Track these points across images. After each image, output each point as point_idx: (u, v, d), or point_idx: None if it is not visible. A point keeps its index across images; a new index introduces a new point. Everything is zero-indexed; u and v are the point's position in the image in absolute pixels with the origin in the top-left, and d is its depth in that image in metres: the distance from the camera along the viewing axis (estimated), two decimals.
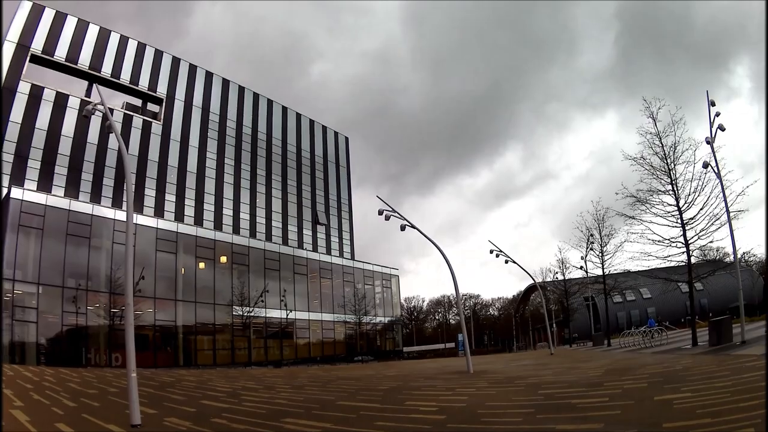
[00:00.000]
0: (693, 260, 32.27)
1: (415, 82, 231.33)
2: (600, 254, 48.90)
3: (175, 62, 71.54)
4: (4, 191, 46.54)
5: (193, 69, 73.53)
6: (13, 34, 55.80)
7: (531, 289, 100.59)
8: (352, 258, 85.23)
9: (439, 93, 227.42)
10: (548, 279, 68.53)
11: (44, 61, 58.16)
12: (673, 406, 10.53)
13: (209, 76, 75.54)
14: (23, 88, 55.42)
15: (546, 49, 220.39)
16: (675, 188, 31.37)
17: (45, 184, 54.51)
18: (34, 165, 55.15)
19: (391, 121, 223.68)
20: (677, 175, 31.35)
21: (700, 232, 30.67)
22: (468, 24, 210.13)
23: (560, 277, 61.92)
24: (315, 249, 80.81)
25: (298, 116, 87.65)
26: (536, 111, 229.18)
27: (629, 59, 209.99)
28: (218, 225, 69.77)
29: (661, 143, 31.83)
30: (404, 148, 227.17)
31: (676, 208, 31.33)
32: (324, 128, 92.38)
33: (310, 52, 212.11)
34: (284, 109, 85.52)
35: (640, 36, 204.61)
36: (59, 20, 59.67)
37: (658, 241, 32.09)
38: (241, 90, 79.64)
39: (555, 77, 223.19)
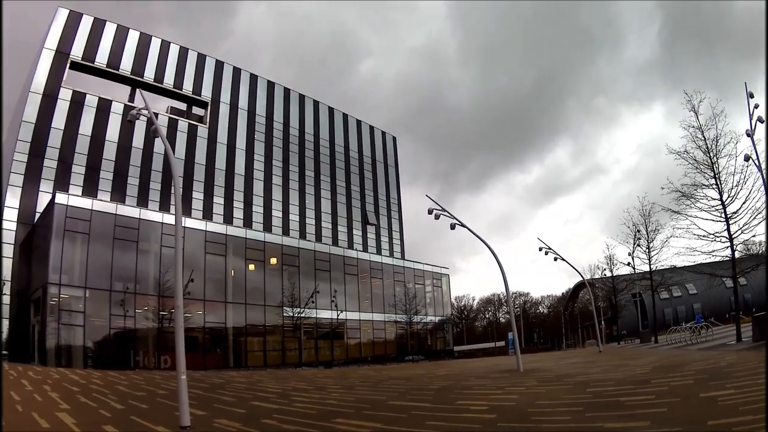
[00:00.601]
0: (737, 255, 31.58)
1: (463, 78, 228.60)
2: (647, 250, 46.95)
3: (219, 65, 70.38)
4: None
5: (237, 72, 72.23)
6: (51, 41, 55.12)
7: (580, 287, 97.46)
8: (403, 257, 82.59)
9: (488, 89, 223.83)
10: (596, 276, 65.63)
11: (85, 67, 57.09)
12: (718, 403, 10.35)
13: (254, 78, 74.22)
14: (64, 95, 54.63)
15: (591, 44, 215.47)
16: (718, 182, 30.58)
17: (90, 189, 53.49)
18: (78, 170, 54.13)
19: (441, 117, 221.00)
20: (720, 169, 30.61)
21: (743, 226, 29.99)
22: (514, 19, 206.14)
23: (608, 274, 59.82)
24: (365, 249, 78.80)
25: (345, 116, 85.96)
26: (584, 105, 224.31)
27: (673, 51, 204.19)
28: (267, 227, 68.00)
29: (703, 136, 31.17)
30: (454, 145, 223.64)
31: (719, 203, 30.56)
32: (371, 128, 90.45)
33: (358, 49, 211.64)
34: (331, 110, 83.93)
35: (683, 27, 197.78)
36: (98, 27, 58.71)
37: (703, 236, 31.48)
38: (287, 91, 78.23)
39: (601, 71, 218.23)
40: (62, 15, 56.07)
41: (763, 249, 60.20)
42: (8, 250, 48.57)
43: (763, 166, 27.13)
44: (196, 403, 15.84)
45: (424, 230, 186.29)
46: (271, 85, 76.06)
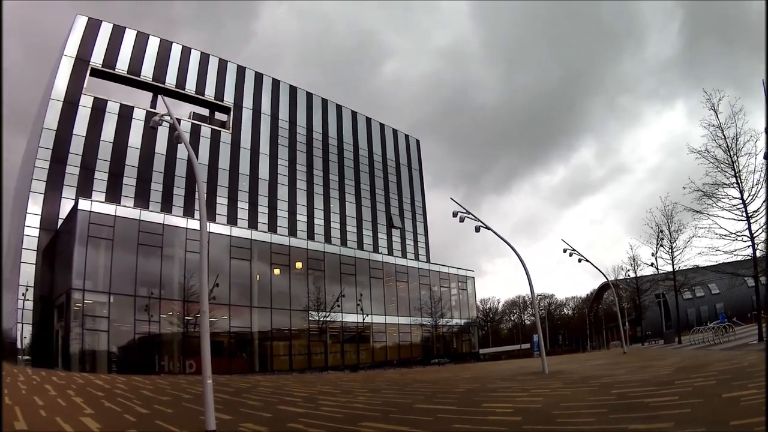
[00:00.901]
0: (758, 254, 30.85)
1: (487, 78, 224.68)
2: (670, 250, 46.01)
3: (241, 71, 69.56)
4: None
5: (259, 77, 71.46)
6: (71, 49, 54.75)
7: (604, 288, 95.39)
8: (428, 261, 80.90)
9: (513, 88, 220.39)
10: (620, 277, 64.43)
11: (105, 74, 56.54)
12: (740, 403, 10.32)
13: (276, 83, 73.46)
14: (85, 102, 54.21)
15: (614, 42, 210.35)
16: (739, 180, 30.12)
17: (113, 195, 52.84)
18: (101, 177, 53.58)
19: (466, 118, 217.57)
20: (740, 167, 30.12)
21: (765, 224, 29.50)
22: (537, 17, 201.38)
23: (632, 275, 58.95)
24: (390, 252, 77.68)
25: (368, 120, 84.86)
26: (608, 104, 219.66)
27: (694, 49, 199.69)
28: (292, 231, 67.13)
29: (723, 135, 30.61)
30: (480, 145, 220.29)
31: (740, 201, 30.12)
32: (395, 131, 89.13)
33: (381, 50, 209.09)
34: (354, 114, 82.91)
35: (703, 24, 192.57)
36: (118, 33, 58.26)
37: (725, 236, 30.97)
38: (309, 96, 77.35)
39: (624, 70, 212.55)
40: (81, 22, 55.55)
41: None
42: (31, 256, 48.31)
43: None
44: (222, 407, 15.91)
45: (450, 232, 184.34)
46: (293, 90, 75.09)
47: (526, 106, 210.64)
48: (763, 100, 24.15)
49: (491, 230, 29.43)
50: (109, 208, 44.94)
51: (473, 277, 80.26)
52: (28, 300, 45.96)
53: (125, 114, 56.37)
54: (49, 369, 37.80)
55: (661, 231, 46.58)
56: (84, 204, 43.40)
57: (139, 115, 56.93)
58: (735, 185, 30.02)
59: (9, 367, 38.39)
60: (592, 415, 11.18)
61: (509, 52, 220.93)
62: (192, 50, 64.71)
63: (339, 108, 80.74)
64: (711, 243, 31.62)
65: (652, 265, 49.74)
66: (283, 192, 69.37)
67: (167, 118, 16.00)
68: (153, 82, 59.37)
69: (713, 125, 30.65)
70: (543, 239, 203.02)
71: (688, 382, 14.36)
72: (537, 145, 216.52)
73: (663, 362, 24.41)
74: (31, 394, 19.31)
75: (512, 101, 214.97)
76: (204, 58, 65.50)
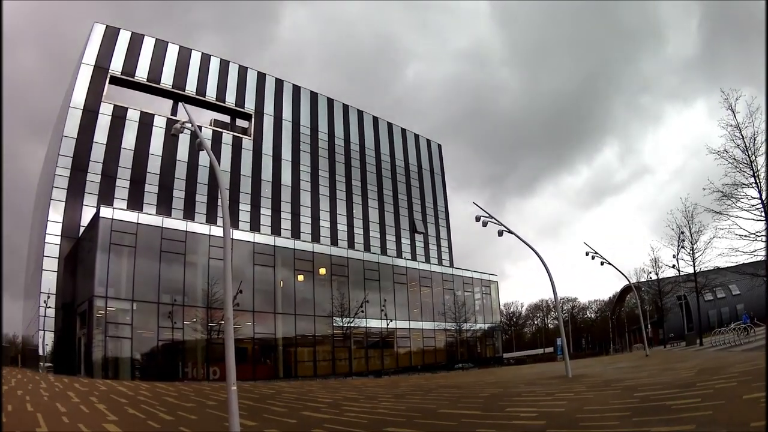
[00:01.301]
0: None
1: (509, 79, 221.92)
2: (691, 252, 46.06)
3: (261, 77, 68.61)
4: None
5: (279, 83, 70.53)
6: (90, 57, 54.23)
7: (626, 290, 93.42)
8: (451, 265, 79.83)
9: (534, 89, 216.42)
10: (642, 279, 64.17)
11: (125, 82, 55.86)
12: (760, 405, 10.08)
13: (296, 89, 72.50)
14: (105, 110, 53.61)
15: (634, 41, 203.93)
16: (757, 180, 29.73)
17: (135, 202, 52.27)
18: (122, 184, 52.98)
19: (489, 120, 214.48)
20: (759, 167, 29.77)
21: None
22: (557, 18, 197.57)
23: (654, 277, 58.60)
24: (414, 258, 76.18)
25: (390, 125, 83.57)
26: (630, 104, 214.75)
27: (712, 46, 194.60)
28: (316, 237, 65.84)
29: (741, 135, 30.23)
30: (504, 147, 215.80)
31: (759, 201, 29.65)
32: (416, 137, 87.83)
33: (403, 53, 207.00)
34: (375, 119, 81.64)
35: (720, 21, 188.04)
36: (136, 41, 57.62)
37: (745, 236, 30.64)
38: (330, 102, 76.25)
39: (645, 69, 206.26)
40: (99, 30, 55.03)
41: None
42: (52, 264, 47.68)
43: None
44: (246, 413, 15.62)
45: (474, 235, 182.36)
46: (314, 96, 74.24)
47: (548, 107, 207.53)
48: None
49: (514, 234, 29.03)
50: (131, 216, 44.18)
51: (497, 282, 78.99)
52: (50, 307, 45.41)
53: (146, 122, 55.69)
54: (71, 376, 37.56)
55: (682, 233, 46.34)
56: (106, 211, 42.79)
57: (159, 122, 56.28)
58: (754, 185, 29.60)
59: (31, 374, 38.31)
60: (615, 418, 11.22)
61: (530, 53, 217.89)
62: (212, 57, 63.97)
63: (360, 113, 79.67)
64: (731, 244, 31.52)
65: (673, 266, 49.38)
66: (305, 198, 68.37)
67: (188, 125, 15.76)
68: (173, 90, 58.67)
69: (731, 125, 30.29)
70: (566, 241, 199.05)
71: (710, 384, 14.34)
72: (560, 146, 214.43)
73: (685, 364, 24.26)
74: (54, 401, 19.17)
75: (534, 102, 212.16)
76: (224, 65, 64.74)
